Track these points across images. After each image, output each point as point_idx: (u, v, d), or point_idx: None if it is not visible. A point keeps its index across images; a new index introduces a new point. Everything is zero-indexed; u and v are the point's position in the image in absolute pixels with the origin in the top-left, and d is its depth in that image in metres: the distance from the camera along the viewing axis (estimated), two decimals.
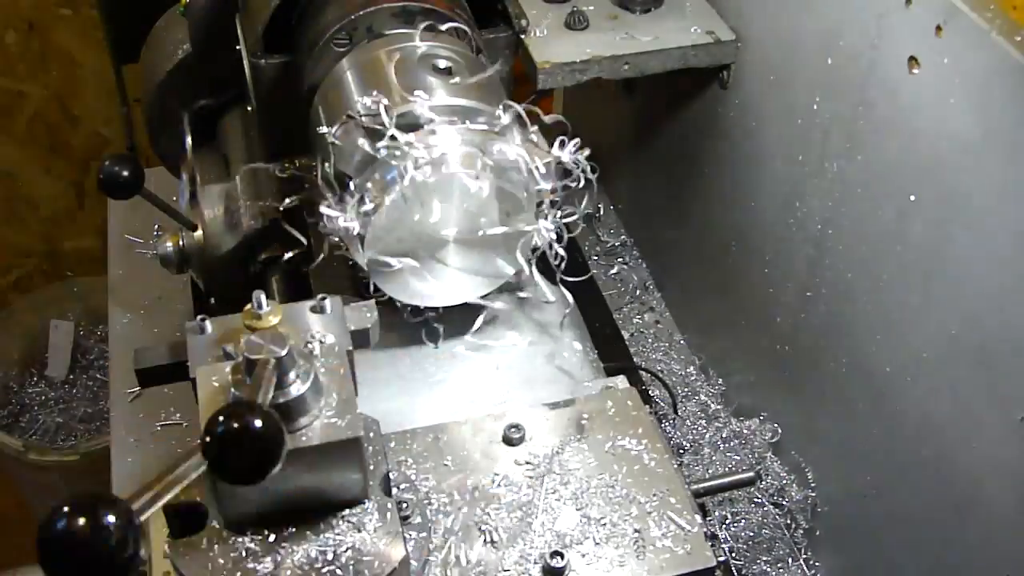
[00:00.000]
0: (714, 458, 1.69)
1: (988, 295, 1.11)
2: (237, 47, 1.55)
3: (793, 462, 1.61)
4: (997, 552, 1.16)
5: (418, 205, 1.28)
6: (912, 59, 1.16)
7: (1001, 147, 1.05)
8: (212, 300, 1.58)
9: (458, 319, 1.42)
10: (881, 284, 1.29)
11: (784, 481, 1.62)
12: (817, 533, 1.57)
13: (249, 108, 1.65)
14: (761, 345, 1.62)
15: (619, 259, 2.06)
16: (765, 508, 1.62)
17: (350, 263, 1.30)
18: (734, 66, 1.57)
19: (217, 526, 1.09)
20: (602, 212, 2.13)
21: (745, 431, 1.69)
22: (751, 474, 1.40)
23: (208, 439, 0.89)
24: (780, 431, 1.64)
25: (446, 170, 1.27)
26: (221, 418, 0.90)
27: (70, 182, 3.38)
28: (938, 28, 1.11)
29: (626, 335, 1.90)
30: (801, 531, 1.59)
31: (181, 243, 1.63)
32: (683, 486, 1.24)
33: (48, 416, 3.20)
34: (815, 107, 1.36)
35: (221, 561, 1.07)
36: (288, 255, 1.48)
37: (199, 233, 1.66)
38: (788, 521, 1.60)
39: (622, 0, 1.62)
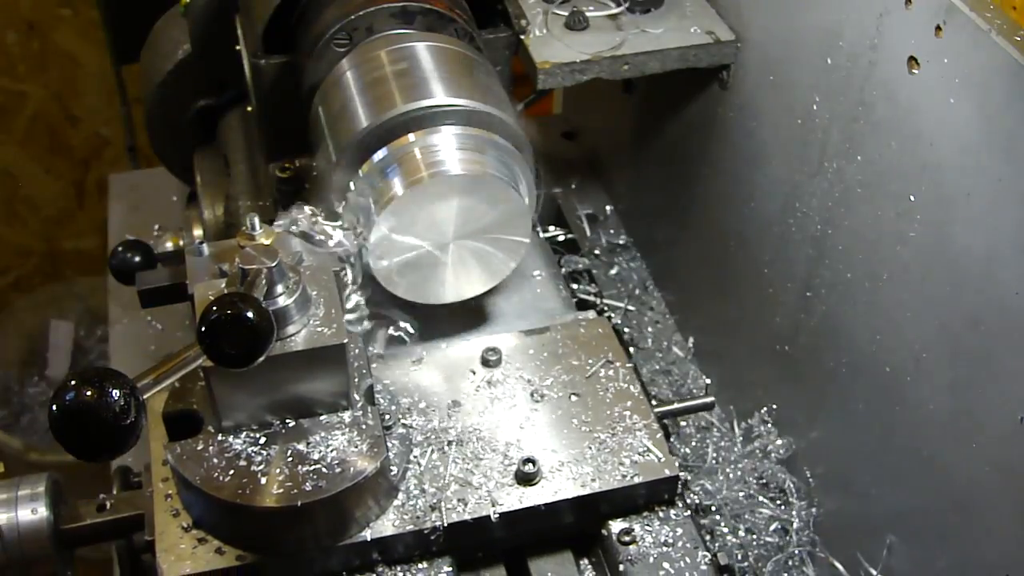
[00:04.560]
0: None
1: (988, 295, 1.10)
2: (237, 47, 1.56)
3: (793, 462, 1.61)
4: (997, 552, 1.16)
5: (417, 209, 1.28)
6: (912, 59, 1.16)
7: (1001, 147, 1.05)
8: None
9: None
10: (881, 284, 1.29)
11: (784, 481, 1.62)
12: (817, 533, 1.57)
13: (249, 108, 1.65)
14: (761, 345, 1.62)
15: (619, 259, 2.06)
16: (765, 508, 1.62)
17: None
18: (734, 66, 1.57)
19: (212, 431, 1.16)
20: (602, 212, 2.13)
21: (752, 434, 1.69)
22: (710, 399, 1.48)
23: (203, 325, 0.97)
24: (778, 431, 1.64)
25: (446, 171, 1.28)
26: (215, 306, 0.97)
27: (70, 182, 3.38)
28: (938, 28, 1.11)
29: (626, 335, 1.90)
30: (800, 530, 1.59)
31: (181, 243, 1.64)
32: (649, 405, 1.33)
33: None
34: (815, 107, 1.36)
35: (215, 460, 1.14)
36: None
37: (198, 232, 1.66)
38: (788, 518, 1.60)
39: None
